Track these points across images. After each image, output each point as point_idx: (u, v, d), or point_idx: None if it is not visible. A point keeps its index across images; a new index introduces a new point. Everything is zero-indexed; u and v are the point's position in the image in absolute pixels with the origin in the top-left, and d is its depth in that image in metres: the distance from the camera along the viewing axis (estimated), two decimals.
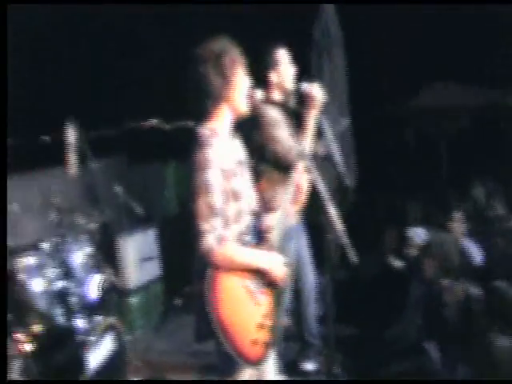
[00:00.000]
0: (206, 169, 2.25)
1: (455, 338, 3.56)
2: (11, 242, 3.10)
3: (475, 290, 3.47)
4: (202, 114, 2.36)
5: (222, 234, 2.26)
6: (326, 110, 5.20)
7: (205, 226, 2.23)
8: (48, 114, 3.91)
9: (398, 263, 4.52)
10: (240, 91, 2.41)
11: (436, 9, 5.05)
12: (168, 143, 4.37)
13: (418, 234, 3.92)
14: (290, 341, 3.90)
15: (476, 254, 3.91)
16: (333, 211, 2.48)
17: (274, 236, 2.50)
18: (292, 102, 3.45)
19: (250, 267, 2.35)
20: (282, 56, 3.35)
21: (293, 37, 4.60)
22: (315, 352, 3.84)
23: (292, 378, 3.63)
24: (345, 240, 2.45)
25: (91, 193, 3.97)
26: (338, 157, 3.23)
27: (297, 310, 3.80)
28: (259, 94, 2.47)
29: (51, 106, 4.23)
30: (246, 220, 2.42)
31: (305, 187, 2.77)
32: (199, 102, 2.34)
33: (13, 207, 3.20)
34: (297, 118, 3.40)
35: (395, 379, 3.65)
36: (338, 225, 2.49)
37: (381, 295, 4.43)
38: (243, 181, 2.44)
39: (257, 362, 2.35)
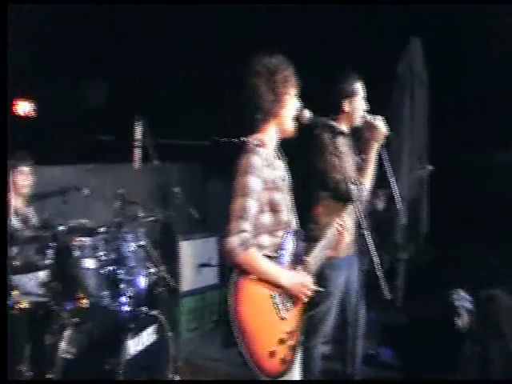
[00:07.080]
0: (248, 173, 2.29)
1: None
2: (74, 221, 3.37)
3: None
4: (252, 127, 2.41)
5: (249, 238, 2.26)
6: (401, 148, 5.15)
7: (233, 226, 2.26)
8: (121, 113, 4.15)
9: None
10: (289, 110, 2.43)
11: None
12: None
13: (463, 300, 3.73)
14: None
15: None
16: (371, 244, 2.44)
17: (311, 262, 2.47)
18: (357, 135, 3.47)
19: (269, 279, 2.32)
20: (358, 89, 3.35)
21: (377, 70, 4.61)
22: None
23: None
24: (380, 274, 2.39)
25: (156, 190, 4.20)
26: (397, 194, 3.21)
27: (342, 343, 3.64)
28: (308, 114, 2.49)
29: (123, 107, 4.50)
30: (281, 235, 2.41)
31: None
32: (249, 115, 2.40)
33: (83, 191, 3.45)
34: (359, 150, 3.41)
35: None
36: (376, 258, 2.44)
37: (438, 346, 4.23)
38: (284, 197, 2.44)
39: (273, 376, 2.30)
